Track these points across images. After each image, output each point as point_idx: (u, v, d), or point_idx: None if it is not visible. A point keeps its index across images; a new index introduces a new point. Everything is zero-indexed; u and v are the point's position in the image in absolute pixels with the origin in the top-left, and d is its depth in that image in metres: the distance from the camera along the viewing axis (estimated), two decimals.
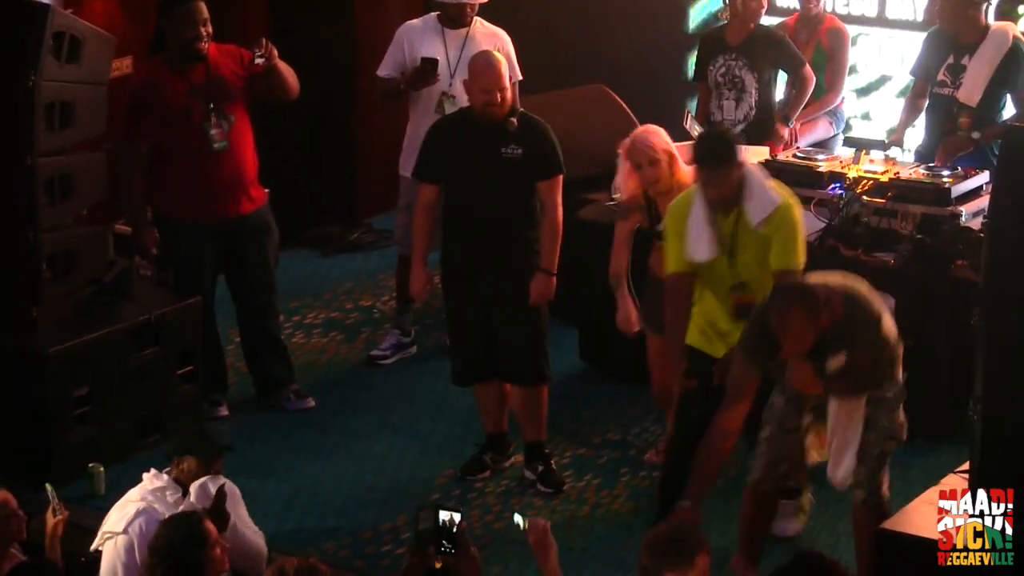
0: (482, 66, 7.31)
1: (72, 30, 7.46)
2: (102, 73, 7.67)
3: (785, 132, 8.77)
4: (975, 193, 7.82)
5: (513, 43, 8.44)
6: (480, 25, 8.48)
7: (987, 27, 8.33)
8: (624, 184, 7.25)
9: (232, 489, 6.30)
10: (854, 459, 6.20)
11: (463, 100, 8.26)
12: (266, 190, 8.22)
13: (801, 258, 6.56)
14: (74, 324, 7.60)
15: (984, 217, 7.43)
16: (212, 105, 7.82)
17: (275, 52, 7.82)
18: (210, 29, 7.85)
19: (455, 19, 8.42)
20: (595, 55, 10.04)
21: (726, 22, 8.97)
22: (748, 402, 6.28)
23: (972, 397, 5.58)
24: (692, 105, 9.46)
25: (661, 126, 8.92)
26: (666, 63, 10.08)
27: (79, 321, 7.63)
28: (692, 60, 9.83)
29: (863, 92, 9.63)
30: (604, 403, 7.99)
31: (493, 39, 8.40)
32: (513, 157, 7.26)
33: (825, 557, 5.28)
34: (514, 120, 7.29)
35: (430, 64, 8.29)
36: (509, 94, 7.32)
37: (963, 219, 7.67)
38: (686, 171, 7.03)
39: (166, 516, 6.02)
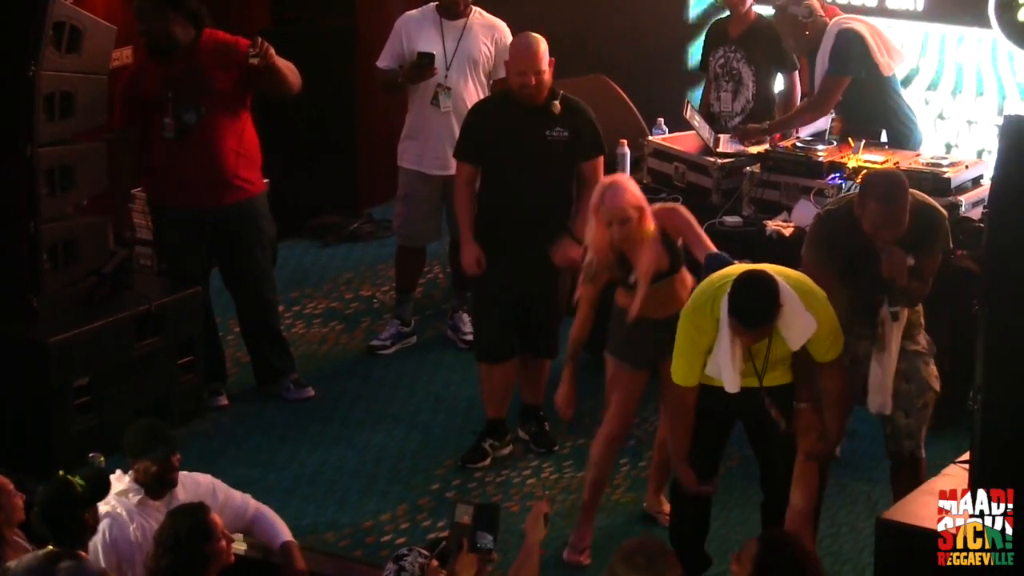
0: (518, 48, 7.42)
1: (73, 20, 7.46)
2: (102, 63, 7.67)
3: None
4: (975, 183, 7.83)
5: (513, 34, 8.43)
6: (479, 16, 8.48)
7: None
8: (593, 240, 6.70)
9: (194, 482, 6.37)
10: (891, 387, 6.44)
11: (459, 92, 8.30)
12: (265, 181, 8.22)
13: (842, 340, 6.22)
14: (75, 314, 7.60)
15: (984, 207, 7.44)
16: (170, 94, 7.83)
17: (271, 51, 7.79)
18: (162, 26, 7.79)
19: (450, 9, 8.42)
20: (595, 45, 10.02)
21: (730, 13, 8.96)
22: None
23: (973, 387, 5.59)
24: (693, 95, 9.46)
25: (662, 116, 8.98)
26: (666, 53, 10.06)
27: (80, 311, 7.64)
28: (692, 50, 9.84)
29: None
30: (604, 393, 7.97)
31: (492, 30, 8.40)
32: (558, 139, 7.35)
33: (790, 537, 5.34)
34: (557, 103, 7.33)
35: (427, 58, 8.29)
36: (547, 76, 7.34)
37: (963, 209, 7.69)
38: (652, 221, 6.69)
39: (128, 518, 6.08)
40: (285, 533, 6.45)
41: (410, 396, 8.28)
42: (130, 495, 6.18)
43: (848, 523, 7.09)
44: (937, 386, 6.55)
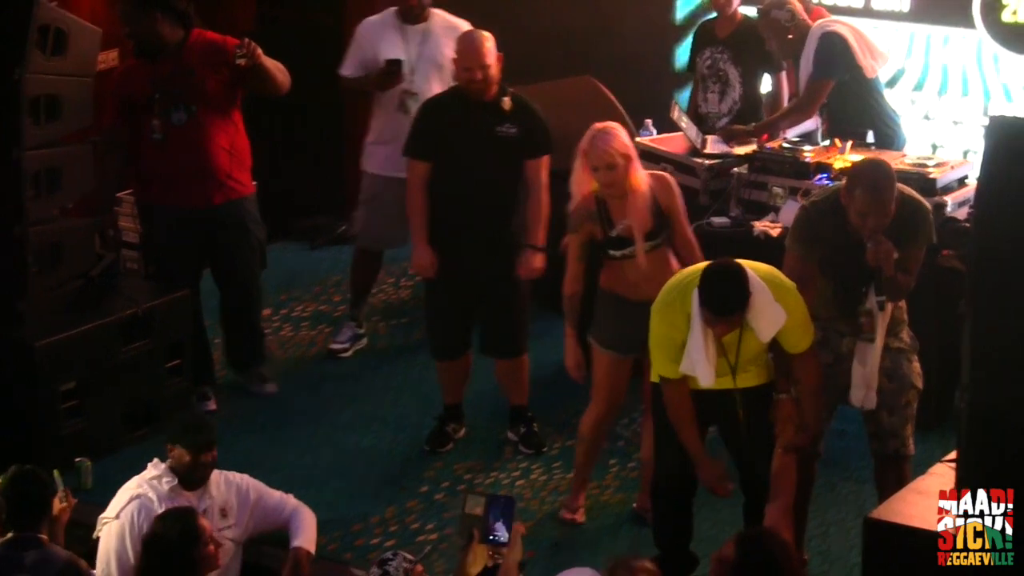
0: (463, 44, 7.43)
1: (58, 23, 7.46)
2: (88, 66, 7.67)
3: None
4: (960, 183, 7.84)
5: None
6: (440, 18, 8.43)
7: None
8: (577, 184, 6.82)
9: (238, 481, 6.42)
10: (875, 382, 6.42)
11: (425, 96, 8.27)
12: (254, 183, 8.21)
13: (812, 331, 6.25)
14: (62, 318, 7.59)
15: (969, 207, 7.45)
16: (157, 95, 7.82)
17: (259, 52, 7.79)
18: (149, 27, 7.81)
19: (407, 14, 8.40)
20: (583, 46, 10.02)
21: (717, 14, 8.97)
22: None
23: (959, 386, 5.59)
24: (680, 97, 9.46)
25: (648, 117, 8.98)
26: (654, 54, 10.06)
27: (67, 315, 7.63)
28: (680, 51, 9.84)
29: None
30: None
31: (454, 32, 8.31)
32: (508, 136, 7.34)
33: (767, 536, 5.32)
34: (507, 100, 7.34)
35: (395, 65, 8.28)
36: (494, 71, 7.33)
37: (948, 209, 7.70)
38: (642, 176, 6.78)
39: (157, 503, 6.11)
40: (304, 539, 6.48)
41: (398, 399, 8.28)
42: (163, 481, 6.22)
43: (837, 522, 7.09)
44: (920, 383, 6.55)
